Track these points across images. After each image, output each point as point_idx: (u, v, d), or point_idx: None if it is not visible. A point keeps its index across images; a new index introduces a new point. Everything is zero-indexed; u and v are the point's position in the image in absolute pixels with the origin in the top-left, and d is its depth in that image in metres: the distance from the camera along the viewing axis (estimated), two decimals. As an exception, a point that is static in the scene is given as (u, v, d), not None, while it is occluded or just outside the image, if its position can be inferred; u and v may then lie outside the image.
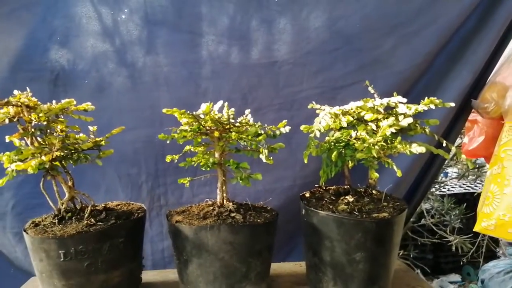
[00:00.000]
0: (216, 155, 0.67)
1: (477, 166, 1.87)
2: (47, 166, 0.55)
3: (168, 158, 0.68)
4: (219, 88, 0.94)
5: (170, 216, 0.65)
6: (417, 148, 0.60)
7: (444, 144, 0.69)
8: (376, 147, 0.63)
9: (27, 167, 0.52)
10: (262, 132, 0.66)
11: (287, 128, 0.66)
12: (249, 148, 0.68)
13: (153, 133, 0.91)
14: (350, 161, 0.71)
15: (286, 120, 0.68)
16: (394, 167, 0.63)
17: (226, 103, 0.65)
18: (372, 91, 0.72)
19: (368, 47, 0.93)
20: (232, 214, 0.63)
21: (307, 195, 0.74)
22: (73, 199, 0.61)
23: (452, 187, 2.28)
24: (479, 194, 1.97)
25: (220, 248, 0.59)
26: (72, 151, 0.59)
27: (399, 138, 0.63)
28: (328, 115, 0.68)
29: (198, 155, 0.68)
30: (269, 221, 0.63)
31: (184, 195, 0.97)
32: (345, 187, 0.75)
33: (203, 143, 0.69)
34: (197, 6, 0.92)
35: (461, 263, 2.03)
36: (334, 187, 0.77)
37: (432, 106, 0.65)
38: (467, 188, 2.29)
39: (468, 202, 2.01)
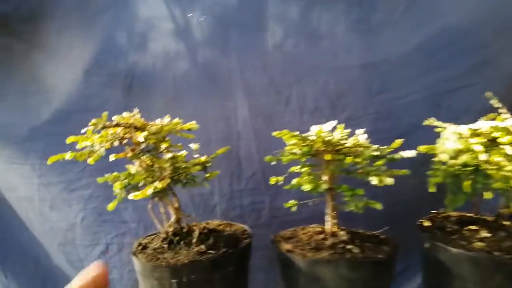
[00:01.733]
0: (325, 177, 0.61)
1: None
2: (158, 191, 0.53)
3: (272, 180, 0.64)
4: (304, 95, 0.84)
5: (277, 243, 0.60)
6: None
7: None
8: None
9: (144, 195, 0.50)
10: (378, 154, 0.60)
11: (412, 152, 0.58)
12: (360, 171, 0.61)
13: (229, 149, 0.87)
14: (483, 191, 0.61)
15: (402, 140, 0.60)
16: None
17: (341, 125, 0.60)
18: (497, 105, 0.60)
19: (478, 45, 0.78)
20: (348, 247, 0.56)
21: (426, 223, 0.65)
22: (179, 221, 0.58)
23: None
24: None
25: (337, 285, 0.53)
26: (180, 173, 0.57)
27: None
28: (454, 135, 0.59)
29: (302, 177, 0.63)
30: (391, 256, 0.56)
31: (262, 218, 0.89)
32: (469, 215, 0.65)
33: (308, 164, 0.63)
34: (273, 6, 0.84)
35: None
36: (455, 214, 0.67)
37: None
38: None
39: None
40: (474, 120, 0.57)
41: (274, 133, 0.58)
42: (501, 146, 0.56)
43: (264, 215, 0.89)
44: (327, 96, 0.83)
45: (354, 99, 0.82)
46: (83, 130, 0.53)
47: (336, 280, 0.53)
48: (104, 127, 0.52)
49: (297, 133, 0.59)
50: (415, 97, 0.81)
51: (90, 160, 0.52)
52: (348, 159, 0.57)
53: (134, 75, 0.89)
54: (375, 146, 0.60)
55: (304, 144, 0.59)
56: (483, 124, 0.59)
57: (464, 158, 0.59)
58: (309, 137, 0.59)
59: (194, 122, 0.61)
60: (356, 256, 0.54)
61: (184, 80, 0.88)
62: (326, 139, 0.59)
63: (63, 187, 0.97)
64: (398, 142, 0.61)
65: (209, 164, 0.61)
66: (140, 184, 0.54)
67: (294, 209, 0.63)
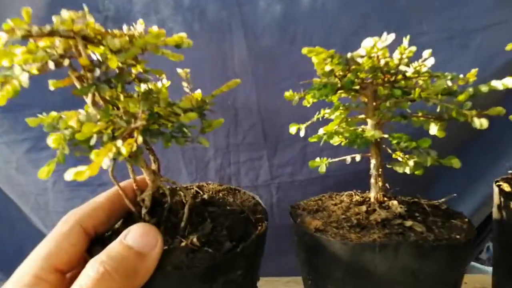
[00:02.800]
0: (370, 125, 0.41)
1: None
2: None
3: (291, 126, 0.44)
4: (311, 33, 0.69)
5: (298, 217, 0.42)
6: None
7: None
8: None
9: (94, 171, 0.28)
10: (454, 86, 0.39)
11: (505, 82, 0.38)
12: (420, 115, 0.41)
13: (225, 95, 0.71)
14: None
15: (476, 69, 0.40)
16: None
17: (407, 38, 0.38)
18: None
19: None
20: (408, 223, 0.38)
21: (506, 187, 0.46)
22: (159, 190, 0.39)
23: None
24: None
25: (396, 280, 0.36)
26: (161, 122, 0.36)
27: None
28: None
29: (332, 124, 0.43)
30: (472, 237, 0.38)
31: (260, 177, 0.76)
32: None
33: (344, 105, 0.43)
34: None
35: None
36: None
37: None
38: None
39: None
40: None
41: (304, 50, 0.37)
42: None
43: (263, 174, 0.76)
44: (339, 34, 0.68)
45: (370, 35, 0.65)
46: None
47: (394, 273, 0.36)
48: (27, 36, 0.28)
49: (335, 51, 0.38)
50: (438, 35, 0.67)
51: (1, 95, 0.28)
52: (415, 93, 0.37)
53: (109, 9, 0.71)
54: (450, 74, 0.39)
55: (344, 71, 0.39)
56: None
57: None
58: (357, 59, 0.38)
59: (184, 34, 0.38)
60: (424, 237, 0.36)
61: (171, 13, 0.70)
62: (382, 62, 0.38)
63: (29, 145, 0.80)
64: (474, 72, 0.40)
65: (208, 106, 0.40)
66: (92, 141, 0.34)
67: (323, 170, 0.44)
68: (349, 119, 0.43)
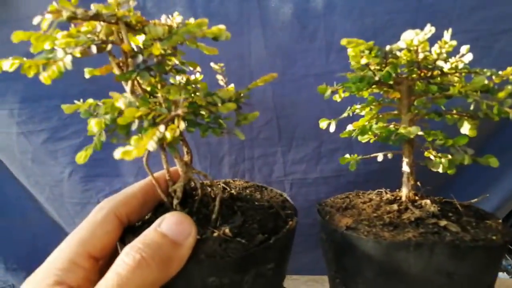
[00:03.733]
0: (404, 122, 0.40)
1: None
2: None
3: (323, 123, 0.43)
4: (333, 29, 0.66)
5: (328, 214, 0.41)
6: None
7: None
8: None
9: (141, 152, 0.27)
10: (490, 83, 0.38)
11: None
12: (455, 112, 0.40)
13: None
14: None
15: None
16: None
17: (449, 31, 0.37)
18: None
19: None
20: (442, 223, 0.37)
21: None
22: (190, 182, 0.39)
23: None
24: None
25: (430, 281, 0.35)
26: (199, 112, 0.35)
27: None
28: None
29: (363, 120, 0.42)
30: (507, 238, 0.37)
31: (274, 173, 0.76)
32: None
33: (377, 100, 0.42)
34: None
35: None
36: None
37: None
38: None
39: None
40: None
41: (343, 41, 0.36)
42: None
43: (277, 170, 0.76)
44: (362, 31, 0.66)
45: (394, 35, 0.63)
46: (35, 21, 0.28)
47: (429, 273, 0.35)
48: (72, 18, 0.28)
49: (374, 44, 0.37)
50: (464, 36, 0.65)
51: (45, 77, 0.27)
52: (455, 89, 0.36)
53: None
54: (488, 70, 0.38)
55: (380, 65, 0.38)
56: None
57: None
58: (393, 51, 0.37)
59: (223, 26, 0.37)
60: (460, 238, 0.35)
61: (184, 9, 0.69)
62: (420, 56, 0.37)
63: (46, 136, 0.80)
64: (510, 69, 0.39)
65: (242, 100, 0.39)
66: (133, 127, 0.33)
67: (353, 167, 0.43)
68: (381, 115, 0.42)
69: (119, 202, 0.34)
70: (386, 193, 0.44)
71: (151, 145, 0.27)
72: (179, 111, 0.31)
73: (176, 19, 0.34)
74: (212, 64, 0.41)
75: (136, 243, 0.29)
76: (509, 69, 0.40)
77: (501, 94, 0.37)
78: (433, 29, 0.37)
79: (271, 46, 0.69)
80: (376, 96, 0.43)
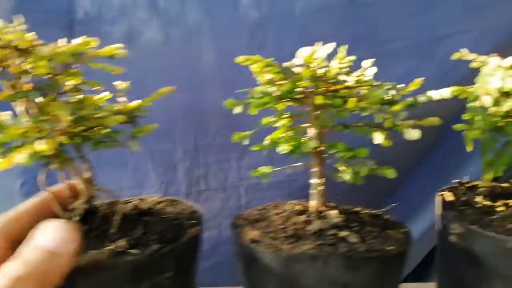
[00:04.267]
0: (312, 133, 0.41)
1: None
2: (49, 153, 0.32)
3: (235, 137, 0.44)
4: (281, 39, 0.69)
5: (239, 228, 0.42)
6: None
7: None
8: None
9: (8, 164, 0.29)
10: (393, 95, 0.39)
11: (446, 92, 0.38)
12: (361, 124, 0.41)
13: (193, 99, 0.72)
14: None
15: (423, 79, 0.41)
16: None
17: (344, 48, 0.38)
18: None
19: None
20: (342, 234, 0.38)
21: (448, 197, 0.47)
22: (92, 199, 0.38)
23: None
24: None
25: (326, 292, 0.36)
26: (91, 127, 0.36)
27: None
28: (501, 71, 0.39)
29: (278, 132, 0.43)
30: (404, 248, 0.38)
31: (229, 179, 0.76)
32: (504, 185, 0.48)
33: (287, 113, 0.43)
34: None
35: None
36: (482, 183, 0.49)
37: None
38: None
39: None
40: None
41: (238, 59, 0.37)
42: None
43: (232, 176, 0.76)
44: (310, 39, 0.69)
45: (337, 43, 0.68)
46: None
47: (325, 285, 0.35)
48: None
49: (274, 61, 0.37)
50: (406, 42, 0.69)
51: None
52: (351, 102, 0.37)
53: (76, 11, 0.70)
54: (389, 83, 0.40)
55: (284, 80, 0.38)
56: None
57: (510, 103, 0.40)
58: (292, 69, 0.38)
59: (119, 45, 0.38)
60: (355, 248, 0.36)
61: (139, 16, 0.70)
62: (319, 71, 0.38)
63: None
64: (417, 81, 0.40)
65: (140, 113, 0.40)
66: (19, 143, 0.33)
67: (266, 179, 0.44)
68: (294, 128, 0.43)
69: (8, 220, 0.34)
70: (300, 204, 0.44)
71: (19, 158, 0.28)
72: (61, 126, 0.31)
73: (76, 40, 0.35)
74: (116, 83, 0.41)
75: (9, 263, 0.28)
76: (415, 81, 0.41)
77: (396, 107, 0.38)
78: (331, 46, 0.37)
79: (222, 54, 0.70)
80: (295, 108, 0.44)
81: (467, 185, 0.50)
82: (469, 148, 0.41)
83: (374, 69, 0.40)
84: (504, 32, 0.66)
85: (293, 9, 0.69)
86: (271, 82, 0.38)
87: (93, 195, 0.38)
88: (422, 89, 0.43)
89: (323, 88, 0.39)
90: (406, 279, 0.75)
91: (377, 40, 0.69)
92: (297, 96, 0.40)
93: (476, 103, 0.40)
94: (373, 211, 0.44)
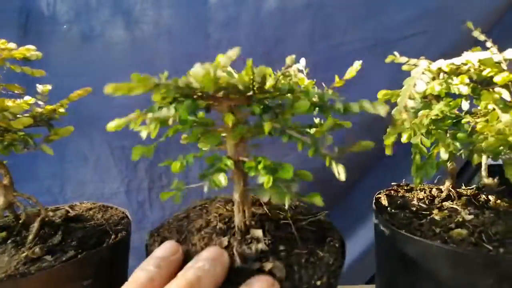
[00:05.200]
0: (230, 146, 0.35)
1: None
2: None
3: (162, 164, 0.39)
4: (236, 40, 0.70)
5: (150, 246, 0.38)
6: None
7: None
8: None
9: None
10: (324, 102, 0.30)
11: (382, 108, 0.28)
12: (288, 132, 0.33)
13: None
14: (471, 153, 0.40)
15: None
16: None
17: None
18: (481, 37, 0.41)
19: None
20: (268, 266, 0.33)
21: (384, 200, 0.46)
22: (12, 206, 0.39)
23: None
24: None
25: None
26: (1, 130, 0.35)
27: None
28: (427, 74, 0.35)
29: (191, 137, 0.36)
30: (335, 278, 0.33)
31: (190, 175, 0.77)
32: (441, 187, 0.49)
33: (201, 120, 0.36)
34: None
35: None
36: (420, 185, 0.50)
37: None
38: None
39: None
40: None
41: (109, 88, 0.31)
42: (492, 90, 0.38)
43: (193, 171, 0.77)
44: (264, 40, 0.71)
45: (293, 45, 0.70)
46: None
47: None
48: None
49: (157, 80, 0.30)
50: (360, 45, 0.70)
51: None
52: (268, 126, 0.29)
53: (30, 11, 0.71)
54: (316, 92, 0.31)
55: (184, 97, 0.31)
56: (468, 57, 0.39)
57: (440, 106, 0.40)
58: (192, 82, 0.31)
59: (32, 47, 0.36)
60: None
61: (94, 18, 0.71)
62: (222, 76, 0.30)
63: None
64: (338, 81, 0.33)
65: (57, 116, 0.38)
66: None
67: (177, 200, 0.38)
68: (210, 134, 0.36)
69: None
70: (222, 221, 0.40)
71: None
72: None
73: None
74: (38, 86, 0.38)
75: None
76: (337, 80, 0.40)
77: (322, 129, 0.29)
78: (234, 53, 0.29)
79: (177, 53, 0.70)
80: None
81: (406, 188, 0.52)
82: (388, 152, 0.40)
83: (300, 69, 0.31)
84: (456, 33, 0.65)
85: (250, 11, 0.68)
86: (165, 104, 0.31)
87: (13, 201, 0.39)
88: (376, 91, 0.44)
89: (241, 95, 0.32)
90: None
91: (333, 41, 0.70)
92: (209, 103, 0.33)
93: (401, 107, 0.34)
94: (310, 217, 0.39)
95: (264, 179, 0.31)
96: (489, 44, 0.40)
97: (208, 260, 0.30)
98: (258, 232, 0.36)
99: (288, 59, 0.31)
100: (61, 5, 0.70)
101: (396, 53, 0.44)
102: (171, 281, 0.28)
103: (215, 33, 0.70)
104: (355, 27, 0.70)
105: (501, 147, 0.37)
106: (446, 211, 0.44)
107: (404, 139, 0.40)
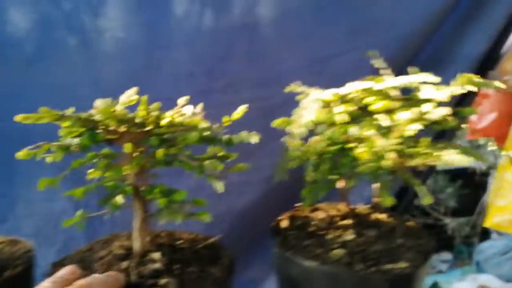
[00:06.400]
0: (130, 175, 0.39)
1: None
2: None
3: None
4: (177, 59, 0.71)
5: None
6: (456, 159, 0.36)
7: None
8: (391, 154, 0.38)
9: None
10: (210, 134, 0.39)
11: (255, 139, 0.39)
12: (179, 159, 0.40)
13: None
14: (349, 178, 0.44)
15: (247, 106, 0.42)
16: (421, 189, 0.38)
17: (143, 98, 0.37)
18: (378, 64, 0.46)
19: (360, 4, 0.71)
20: (162, 282, 0.36)
21: (284, 223, 0.48)
22: None
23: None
24: (474, 170, 1.81)
25: None
26: None
27: (427, 140, 0.40)
28: (317, 103, 0.42)
29: (93, 173, 0.40)
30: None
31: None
32: (339, 207, 0.51)
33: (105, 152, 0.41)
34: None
35: (454, 242, 1.92)
36: (324, 205, 0.52)
37: (471, 88, 0.41)
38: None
39: (464, 178, 1.85)
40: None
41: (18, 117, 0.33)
42: (375, 116, 0.41)
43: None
44: (204, 60, 0.73)
45: (232, 64, 0.73)
46: None
47: None
48: None
49: (62, 112, 0.34)
50: (297, 63, 0.73)
51: None
52: (161, 152, 0.36)
53: None
54: (206, 125, 0.39)
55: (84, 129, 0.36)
56: (353, 87, 0.43)
57: (328, 133, 0.43)
58: (95, 116, 0.36)
59: None
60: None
61: (52, 35, 0.69)
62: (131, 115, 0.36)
63: None
64: (226, 119, 0.41)
65: None
66: None
67: (80, 227, 0.40)
68: (112, 167, 0.40)
69: None
70: (121, 247, 0.42)
71: None
72: None
73: None
74: None
75: None
76: (225, 119, 0.42)
77: (203, 160, 0.37)
78: (131, 94, 0.36)
79: (121, 73, 0.70)
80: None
81: (311, 208, 0.51)
82: (277, 177, 0.43)
83: (191, 108, 0.40)
84: (387, 48, 0.70)
85: (188, 31, 0.70)
86: (70, 133, 0.35)
87: None
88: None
89: (135, 130, 0.38)
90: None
91: (270, 61, 0.74)
92: (114, 136, 0.38)
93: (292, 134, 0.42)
94: (203, 242, 0.44)
95: (159, 201, 0.37)
96: (387, 71, 0.44)
97: (103, 274, 0.34)
98: (156, 255, 0.40)
99: (182, 100, 0.39)
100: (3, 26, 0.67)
101: (298, 82, 0.48)
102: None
103: (155, 53, 0.70)
104: (291, 46, 0.73)
105: (379, 170, 0.39)
106: (339, 231, 0.45)
107: (293, 163, 0.43)
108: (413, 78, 0.41)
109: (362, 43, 0.70)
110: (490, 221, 0.76)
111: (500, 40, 0.78)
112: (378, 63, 0.46)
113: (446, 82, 0.41)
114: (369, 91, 0.41)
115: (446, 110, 0.38)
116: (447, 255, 1.89)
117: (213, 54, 0.71)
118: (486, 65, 0.78)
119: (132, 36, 0.70)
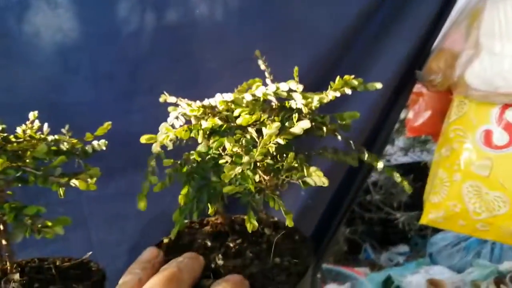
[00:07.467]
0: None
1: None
2: None
3: None
4: (97, 62, 0.67)
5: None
6: (317, 180, 0.35)
7: (367, 157, 0.44)
8: (255, 174, 0.37)
9: None
10: (63, 147, 0.38)
11: (102, 143, 0.38)
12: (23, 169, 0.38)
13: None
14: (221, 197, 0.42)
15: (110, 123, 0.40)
16: (283, 210, 0.36)
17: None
18: (263, 67, 0.45)
19: (278, 7, 0.69)
20: None
21: (166, 239, 0.42)
22: None
23: (397, 158, 2.10)
24: (426, 164, 1.82)
25: None
26: None
27: (290, 155, 0.37)
28: (182, 118, 0.40)
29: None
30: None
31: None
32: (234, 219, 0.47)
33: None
34: None
35: (409, 236, 1.95)
36: (214, 219, 0.47)
37: (349, 91, 0.39)
38: (413, 157, 2.12)
39: (416, 172, 1.86)
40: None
41: None
42: (238, 131, 0.39)
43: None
44: (125, 61, 0.70)
45: (156, 64, 0.70)
46: None
47: None
48: None
49: None
50: (213, 65, 0.71)
51: None
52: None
53: None
54: (53, 137, 0.38)
55: None
56: (222, 97, 0.40)
57: (201, 148, 0.41)
58: None
59: None
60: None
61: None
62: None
63: None
64: (104, 127, 0.39)
65: None
66: None
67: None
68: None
69: None
70: None
71: None
72: None
73: None
74: None
75: None
76: (100, 129, 0.40)
77: (46, 169, 0.36)
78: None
79: (36, 79, 0.66)
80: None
81: (203, 223, 0.48)
82: (156, 189, 0.39)
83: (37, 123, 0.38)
84: (315, 48, 0.70)
85: (110, 32, 0.67)
86: None
87: None
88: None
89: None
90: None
91: (194, 60, 0.72)
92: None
93: (155, 150, 0.39)
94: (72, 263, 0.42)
95: (7, 217, 0.35)
96: (268, 75, 0.43)
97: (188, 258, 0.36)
98: (14, 276, 0.38)
99: (31, 115, 0.37)
100: None
101: (165, 92, 0.43)
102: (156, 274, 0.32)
103: (73, 56, 0.68)
104: (216, 45, 0.71)
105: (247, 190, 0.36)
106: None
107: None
108: (282, 86, 0.39)
109: (276, 49, 0.68)
110: (426, 218, 0.74)
111: (427, 39, 0.77)
112: (262, 65, 0.45)
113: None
114: (236, 101, 0.39)
115: (305, 124, 0.36)
116: (404, 247, 1.91)
117: (136, 55, 0.69)
118: (413, 65, 0.77)
119: (50, 41, 0.67)
